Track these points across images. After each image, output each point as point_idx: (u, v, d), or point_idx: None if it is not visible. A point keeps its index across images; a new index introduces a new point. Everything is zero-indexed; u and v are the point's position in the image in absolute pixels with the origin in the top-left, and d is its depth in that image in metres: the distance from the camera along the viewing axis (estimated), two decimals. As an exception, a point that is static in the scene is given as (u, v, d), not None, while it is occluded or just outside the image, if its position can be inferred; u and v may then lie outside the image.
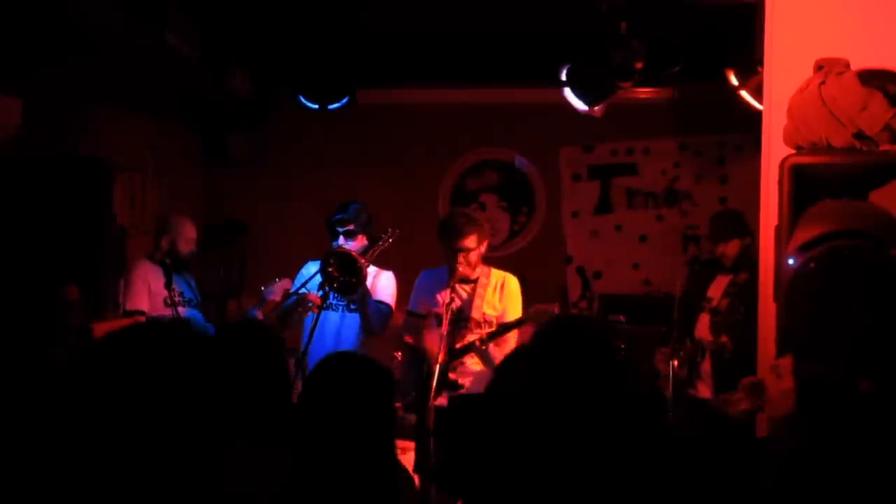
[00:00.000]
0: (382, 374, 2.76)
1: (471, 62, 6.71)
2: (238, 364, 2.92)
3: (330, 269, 5.08)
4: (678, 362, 5.25)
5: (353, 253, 5.14)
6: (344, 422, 2.60)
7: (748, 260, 5.09)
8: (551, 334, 2.26)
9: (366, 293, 5.20)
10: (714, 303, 5.24)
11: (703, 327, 5.24)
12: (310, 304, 5.24)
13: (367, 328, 5.30)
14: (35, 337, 3.89)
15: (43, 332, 3.96)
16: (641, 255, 7.73)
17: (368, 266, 5.19)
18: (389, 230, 5.21)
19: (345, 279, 5.09)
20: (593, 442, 2.04)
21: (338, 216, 5.33)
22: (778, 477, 2.50)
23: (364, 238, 5.31)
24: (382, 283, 5.38)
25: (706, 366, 5.20)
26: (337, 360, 2.83)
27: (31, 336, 3.92)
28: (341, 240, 5.29)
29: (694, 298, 5.36)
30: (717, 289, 5.28)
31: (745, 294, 4.97)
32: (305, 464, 2.59)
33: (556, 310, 4.92)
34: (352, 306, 5.33)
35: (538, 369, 2.13)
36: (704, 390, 5.20)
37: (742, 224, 5.25)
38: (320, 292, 5.18)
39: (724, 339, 5.04)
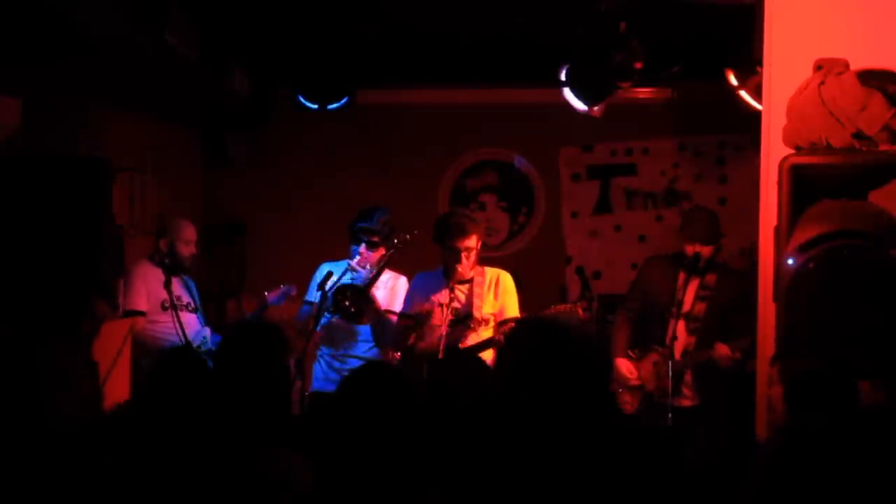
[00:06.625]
0: (409, 389, 2.72)
1: (471, 62, 6.71)
2: (252, 364, 2.92)
3: (347, 304, 5.10)
4: (653, 371, 5.20)
5: (367, 289, 5.17)
6: (372, 433, 2.56)
7: (714, 262, 5.20)
8: (518, 337, 2.25)
9: (383, 321, 5.18)
10: (686, 307, 5.15)
11: (681, 334, 5.14)
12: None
13: (378, 342, 5.29)
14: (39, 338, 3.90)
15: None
16: (641, 256, 7.69)
17: (379, 277, 5.22)
18: (407, 236, 5.21)
19: (355, 310, 5.13)
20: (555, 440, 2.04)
21: (363, 224, 5.30)
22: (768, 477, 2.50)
23: (384, 249, 5.29)
24: (400, 292, 5.35)
25: (688, 377, 5.17)
26: (369, 371, 2.79)
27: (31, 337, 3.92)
28: (362, 247, 5.26)
29: (657, 298, 5.26)
30: (687, 292, 5.16)
31: (717, 297, 5.12)
32: (333, 474, 2.56)
33: (580, 310, 4.90)
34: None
35: (506, 370, 2.13)
36: (686, 402, 5.15)
37: (719, 228, 5.27)
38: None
39: (738, 355, 4.98)
